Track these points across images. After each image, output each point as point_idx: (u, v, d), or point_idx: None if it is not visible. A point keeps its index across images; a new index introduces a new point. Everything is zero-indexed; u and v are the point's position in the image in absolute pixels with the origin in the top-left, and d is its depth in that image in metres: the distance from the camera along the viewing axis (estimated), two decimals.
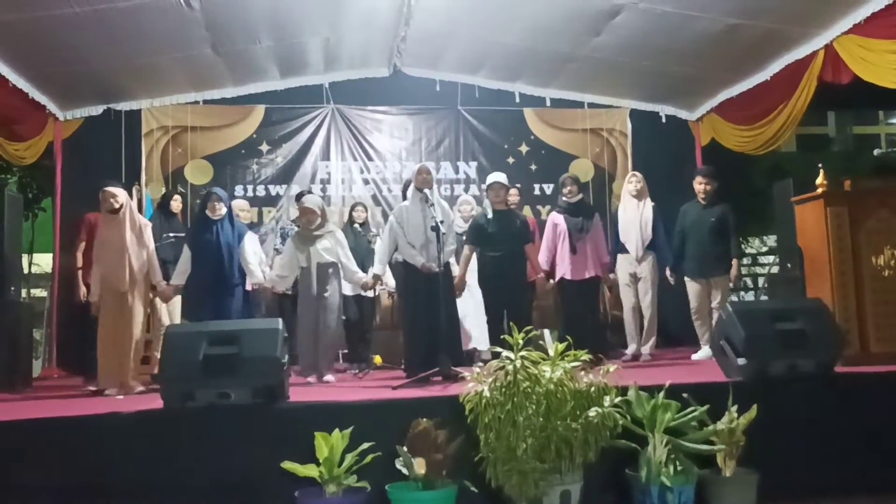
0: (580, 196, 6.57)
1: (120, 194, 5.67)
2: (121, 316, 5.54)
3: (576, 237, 6.29)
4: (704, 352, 6.67)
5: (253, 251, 6.10)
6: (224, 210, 5.94)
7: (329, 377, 5.82)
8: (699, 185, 6.74)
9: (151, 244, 5.79)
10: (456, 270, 6.21)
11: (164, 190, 8.10)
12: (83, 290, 6.33)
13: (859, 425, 4.09)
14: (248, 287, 6.30)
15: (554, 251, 6.43)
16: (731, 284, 6.67)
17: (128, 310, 5.54)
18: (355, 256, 6.21)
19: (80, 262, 6.54)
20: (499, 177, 6.21)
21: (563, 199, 6.51)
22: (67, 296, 7.55)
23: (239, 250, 5.92)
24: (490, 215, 6.07)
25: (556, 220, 6.50)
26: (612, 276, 6.87)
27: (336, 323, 5.98)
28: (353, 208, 7.56)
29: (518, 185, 7.93)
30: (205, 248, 5.84)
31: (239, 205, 7.05)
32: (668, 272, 6.83)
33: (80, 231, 6.51)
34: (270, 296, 6.43)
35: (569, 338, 3.55)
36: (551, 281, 6.51)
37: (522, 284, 6.17)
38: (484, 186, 6.32)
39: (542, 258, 6.42)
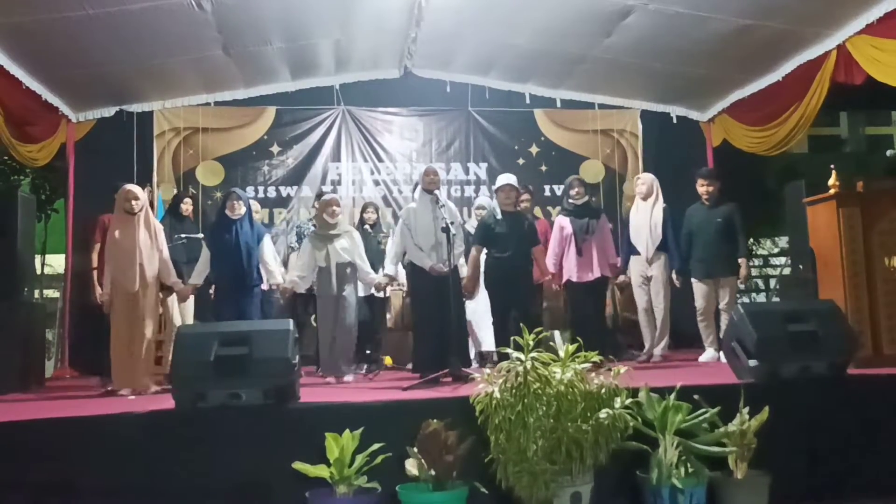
0: (586, 198, 6.53)
1: (141, 196, 5.71)
2: (133, 317, 5.55)
3: (581, 239, 6.26)
4: (709, 353, 6.67)
5: (272, 252, 6.13)
6: (244, 210, 5.95)
7: (349, 377, 5.87)
8: (701, 187, 6.77)
9: (165, 246, 5.81)
10: (464, 272, 6.18)
11: (175, 191, 8.14)
12: (98, 290, 6.32)
13: (872, 427, 4.07)
14: (265, 287, 6.34)
15: (561, 254, 6.40)
16: (740, 285, 6.66)
17: (139, 310, 5.55)
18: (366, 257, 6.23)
19: (95, 263, 6.50)
20: (509, 178, 6.16)
21: (570, 200, 6.46)
22: (80, 296, 7.60)
23: (258, 251, 5.94)
24: (499, 216, 6.05)
25: (562, 223, 6.45)
26: (623, 277, 6.88)
27: (354, 322, 6.03)
28: (364, 209, 7.57)
29: (531, 188, 7.92)
30: (224, 247, 5.85)
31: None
32: (673, 275, 6.84)
33: (95, 232, 6.46)
34: (288, 297, 6.41)
35: (579, 339, 3.54)
36: (554, 286, 6.50)
37: (529, 286, 6.14)
38: (494, 187, 6.30)
39: (550, 261, 6.38)
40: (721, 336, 6.52)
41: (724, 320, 6.55)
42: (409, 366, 6.41)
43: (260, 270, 6.00)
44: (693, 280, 6.76)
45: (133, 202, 5.61)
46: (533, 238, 6.15)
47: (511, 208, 6.11)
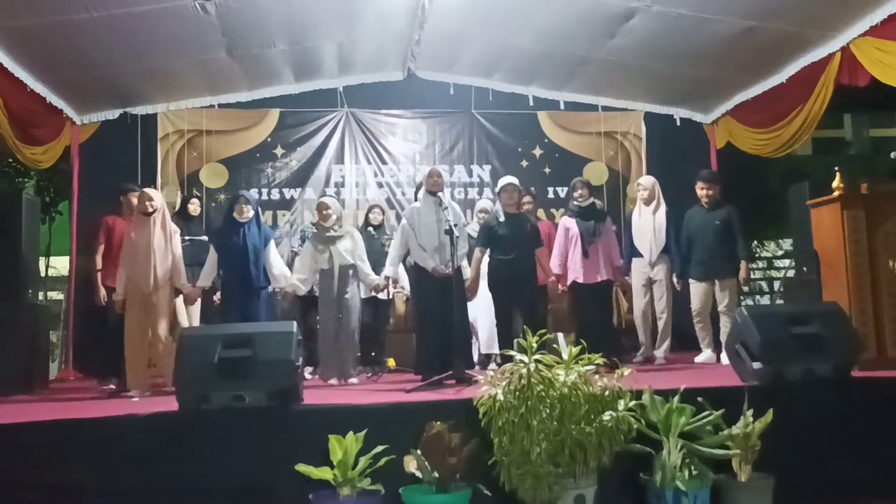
0: (591, 200, 6.52)
1: (157, 198, 5.77)
2: (146, 317, 5.60)
3: (588, 241, 6.25)
4: (706, 354, 6.71)
5: (276, 255, 6.14)
6: (251, 213, 5.96)
7: (353, 379, 5.88)
8: (700, 189, 6.81)
9: (179, 249, 5.84)
10: (467, 273, 6.19)
11: (179, 193, 8.15)
12: (102, 292, 6.34)
13: (876, 429, 4.06)
14: (270, 290, 6.34)
15: (566, 255, 6.38)
16: (742, 286, 6.66)
17: (153, 311, 5.59)
18: (370, 259, 6.23)
19: (99, 265, 6.47)
20: (511, 179, 6.19)
21: (575, 202, 6.47)
22: (84, 298, 7.60)
23: (265, 254, 5.95)
24: (501, 218, 6.07)
25: (567, 224, 6.44)
26: (626, 278, 6.90)
27: (357, 325, 6.05)
28: (369, 210, 7.52)
29: (532, 190, 7.94)
30: (231, 250, 5.86)
31: None
32: (673, 278, 6.85)
33: (99, 234, 6.49)
34: (291, 299, 6.44)
35: (583, 342, 3.54)
36: (560, 286, 6.42)
37: (533, 288, 6.14)
38: (496, 189, 6.32)
39: (555, 262, 6.37)
40: (719, 337, 6.59)
41: (723, 322, 6.59)
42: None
43: (267, 273, 6.02)
44: (691, 281, 6.79)
45: (147, 203, 5.68)
46: (536, 240, 6.16)
47: (514, 210, 6.13)
